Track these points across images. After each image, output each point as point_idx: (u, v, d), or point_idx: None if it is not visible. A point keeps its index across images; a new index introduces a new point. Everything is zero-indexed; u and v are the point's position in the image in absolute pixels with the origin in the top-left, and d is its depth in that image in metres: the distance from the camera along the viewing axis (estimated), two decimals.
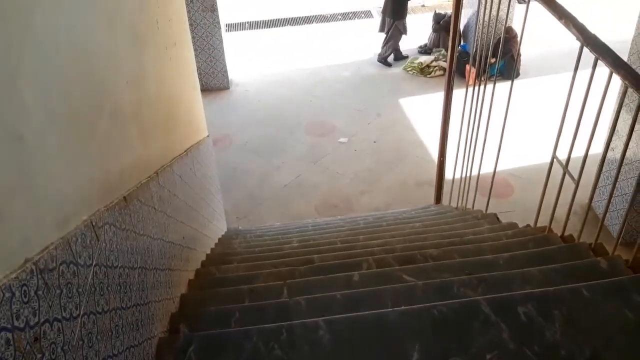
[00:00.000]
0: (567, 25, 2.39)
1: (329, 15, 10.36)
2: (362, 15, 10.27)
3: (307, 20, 10.25)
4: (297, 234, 4.07)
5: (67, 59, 1.41)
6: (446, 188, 4.73)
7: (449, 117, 4.38)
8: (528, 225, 3.14)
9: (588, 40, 2.26)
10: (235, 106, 7.68)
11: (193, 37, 6.09)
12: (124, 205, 1.71)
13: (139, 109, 2.14)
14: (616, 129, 4.14)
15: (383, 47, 8.41)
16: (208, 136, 4.26)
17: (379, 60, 8.49)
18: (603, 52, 2.18)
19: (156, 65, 2.65)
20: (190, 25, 6.25)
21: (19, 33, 1.13)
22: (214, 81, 7.91)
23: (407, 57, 8.53)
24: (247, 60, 8.76)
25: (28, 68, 1.16)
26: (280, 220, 5.43)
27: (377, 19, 9.20)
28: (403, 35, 8.32)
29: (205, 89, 7.33)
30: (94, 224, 1.41)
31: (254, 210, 5.70)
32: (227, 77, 7.97)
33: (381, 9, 8.40)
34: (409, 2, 8.18)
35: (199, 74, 5.08)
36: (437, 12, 8.77)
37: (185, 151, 3.16)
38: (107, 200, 1.59)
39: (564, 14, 2.44)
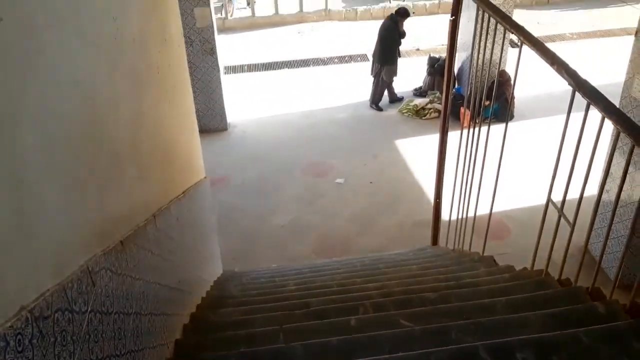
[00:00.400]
0: (559, 71, 2.44)
1: (325, 59, 10.56)
2: (359, 58, 10.47)
3: (304, 63, 10.44)
4: (293, 276, 4.04)
5: (69, 104, 1.43)
6: (443, 229, 4.73)
7: (444, 159, 4.42)
8: (525, 268, 3.13)
9: (580, 85, 2.30)
10: (233, 147, 7.73)
11: (192, 80, 6.19)
12: (120, 249, 1.70)
13: (138, 152, 2.16)
14: (610, 172, 4.18)
15: (372, 91, 8.57)
16: (206, 177, 4.27)
17: (370, 106, 8.61)
18: (595, 97, 2.22)
19: (155, 109, 2.68)
20: (190, 68, 6.36)
21: (21, 79, 1.16)
22: (212, 122, 7.98)
23: (402, 98, 8.65)
24: (245, 102, 8.87)
25: (30, 113, 1.18)
26: (277, 261, 5.40)
27: None
28: (393, 79, 8.48)
29: (204, 130, 7.37)
30: (90, 269, 1.41)
31: (251, 252, 5.67)
32: (225, 118, 8.05)
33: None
34: (399, 47, 8.36)
35: (198, 116, 5.14)
36: (431, 55, 8.95)
37: (183, 193, 3.17)
38: (104, 244, 1.59)
39: (555, 60, 2.50)
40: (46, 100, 1.28)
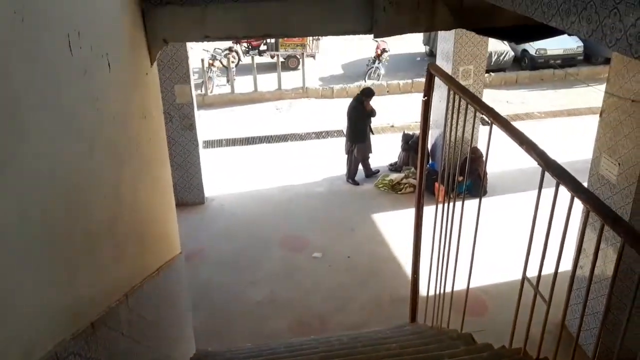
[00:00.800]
0: (528, 151, 2.53)
1: (303, 134, 10.77)
2: (335, 134, 10.71)
3: (283, 138, 10.62)
4: (269, 356, 3.92)
5: (48, 185, 1.43)
6: (421, 304, 4.68)
7: (420, 234, 4.44)
8: (503, 347, 3.10)
9: (548, 165, 2.38)
10: (210, 221, 7.68)
11: (171, 154, 6.23)
12: (90, 332, 1.65)
13: (114, 229, 2.14)
14: (583, 248, 4.24)
15: (347, 167, 8.74)
16: (181, 253, 4.22)
17: (347, 181, 8.74)
18: (563, 177, 2.29)
19: (133, 185, 2.68)
20: (169, 142, 6.43)
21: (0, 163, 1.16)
22: (189, 196, 7.97)
23: (377, 171, 8.79)
24: (223, 176, 8.91)
25: (7, 197, 1.18)
26: (253, 339, 5.24)
27: None
28: (368, 155, 8.64)
29: (181, 204, 7.36)
30: (58, 354, 1.36)
31: (226, 329, 5.51)
32: (202, 192, 8.06)
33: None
34: (368, 125, 8.54)
35: (175, 189, 5.15)
36: (405, 132, 9.20)
37: (157, 270, 3.11)
38: (75, 327, 1.54)
39: (524, 141, 2.60)
40: (25, 184, 1.27)
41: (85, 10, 2.04)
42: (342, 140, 9.89)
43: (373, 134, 8.75)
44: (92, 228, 1.80)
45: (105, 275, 1.98)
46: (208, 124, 10.81)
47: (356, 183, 8.67)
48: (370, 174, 8.82)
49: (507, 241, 6.50)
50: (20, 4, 1.40)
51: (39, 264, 1.35)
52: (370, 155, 8.72)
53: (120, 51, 2.65)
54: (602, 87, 4.67)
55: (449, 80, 3.47)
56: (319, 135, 10.75)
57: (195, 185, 7.97)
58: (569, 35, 2.91)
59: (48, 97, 1.51)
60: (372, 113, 8.56)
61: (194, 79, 8.09)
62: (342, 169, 8.90)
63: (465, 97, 3.12)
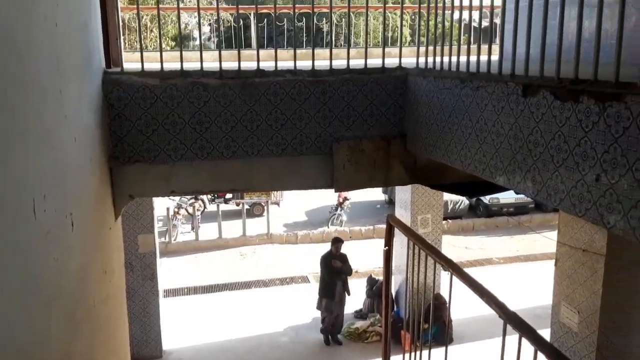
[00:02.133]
0: (488, 303, 2.57)
1: (267, 280, 10.65)
2: (300, 280, 10.62)
3: (246, 285, 10.46)
4: None
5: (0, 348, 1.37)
6: None
7: None
8: None
9: (510, 318, 2.41)
10: None
11: (129, 306, 6.00)
12: None
13: None
14: None
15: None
16: None
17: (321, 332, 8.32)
18: (524, 329, 2.31)
19: (88, 346, 2.57)
20: (128, 294, 6.22)
21: None
22: (146, 350, 7.55)
23: (328, 343, 8.17)
24: (183, 327, 8.56)
25: None
26: None
27: (314, 284, 9.51)
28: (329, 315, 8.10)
29: (136, 359, 6.95)
30: None
31: None
32: (160, 345, 7.68)
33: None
34: (339, 282, 8.03)
35: (131, 342, 4.85)
36: (372, 276, 9.19)
37: None
38: None
39: (484, 292, 2.64)
40: None
41: (53, 173, 2.10)
42: (307, 287, 9.83)
43: (349, 294, 8.21)
44: None
45: None
46: (170, 272, 10.63)
47: (340, 343, 8.20)
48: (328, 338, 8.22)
49: None
50: None
51: None
52: (337, 320, 8.16)
53: (85, 209, 2.68)
54: (555, 234, 4.88)
55: (408, 231, 3.58)
56: (283, 281, 10.65)
57: (153, 338, 7.60)
58: (516, 193, 3.13)
59: (8, 261, 1.51)
60: (345, 270, 8.02)
61: (158, 226, 8.10)
62: (307, 317, 8.70)
63: (424, 248, 3.21)
